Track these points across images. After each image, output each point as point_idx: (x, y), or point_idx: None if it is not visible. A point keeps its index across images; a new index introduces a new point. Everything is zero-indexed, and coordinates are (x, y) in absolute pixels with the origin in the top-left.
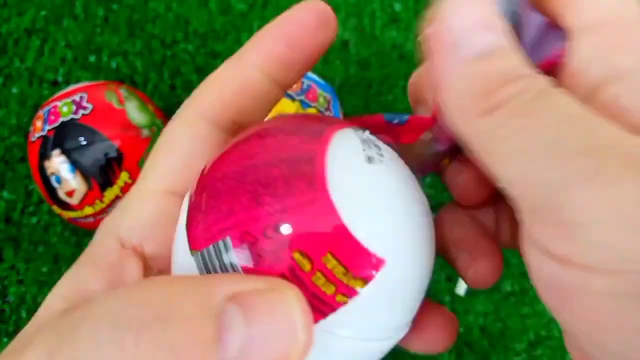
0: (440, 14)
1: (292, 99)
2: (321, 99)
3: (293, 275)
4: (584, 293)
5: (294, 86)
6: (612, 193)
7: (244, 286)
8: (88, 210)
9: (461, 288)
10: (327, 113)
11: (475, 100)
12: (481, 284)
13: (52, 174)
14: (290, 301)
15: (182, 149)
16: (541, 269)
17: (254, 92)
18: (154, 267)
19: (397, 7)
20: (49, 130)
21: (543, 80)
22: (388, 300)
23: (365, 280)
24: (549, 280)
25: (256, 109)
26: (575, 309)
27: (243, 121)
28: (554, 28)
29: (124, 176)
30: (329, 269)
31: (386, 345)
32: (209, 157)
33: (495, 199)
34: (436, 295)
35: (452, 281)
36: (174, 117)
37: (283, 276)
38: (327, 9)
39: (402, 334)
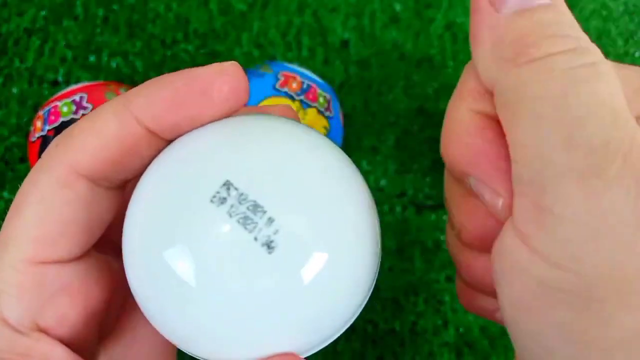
0: None
1: (292, 98)
2: (321, 99)
3: None
4: (525, 272)
5: (294, 86)
6: (599, 201)
7: None
8: None
9: None
10: (327, 113)
11: (518, 48)
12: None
13: None
14: None
15: (58, 215)
16: (503, 236)
17: (136, 148)
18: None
19: (397, 7)
20: (49, 130)
21: (596, 51)
22: None
23: None
24: (502, 248)
25: (137, 163)
26: (511, 282)
27: (124, 176)
28: None
29: None
30: None
31: None
32: (90, 221)
33: None
34: (436, 295)
35: (452, 281)
36: (38, 165)
37: None
38: (243, 78)
39: None
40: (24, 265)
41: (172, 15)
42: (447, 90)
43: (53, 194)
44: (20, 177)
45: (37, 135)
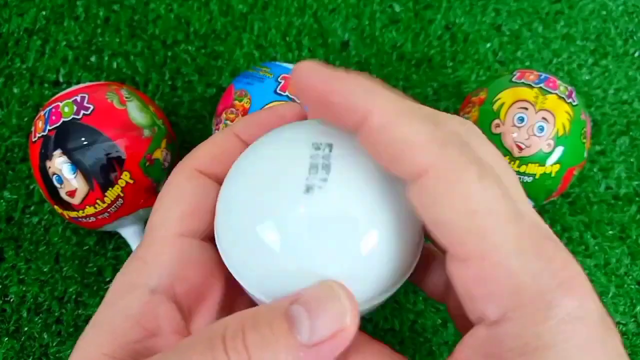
0: None
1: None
2: None
3: None
4: None
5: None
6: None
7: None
8: (89, 210)
9: None
10: None
11: None
12: None
13: (54, 174)
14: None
15: (189, 197)
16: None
17: (232, 151)
18: (185, 305)
19: (397, 7)
20: (50, 131)
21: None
22: None
23: None
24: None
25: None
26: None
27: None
28: None
29: (125, 176)
30: None
31: None
32: (209, 205)
33: None
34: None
35: None
36: (174, 171)
37: None
38: (304, 112)
39: None
40: (172, 238)
41: (172, 16)
42: (446, 90)
43: (184, 185)
44: (21, 177)
45: (38, 135)
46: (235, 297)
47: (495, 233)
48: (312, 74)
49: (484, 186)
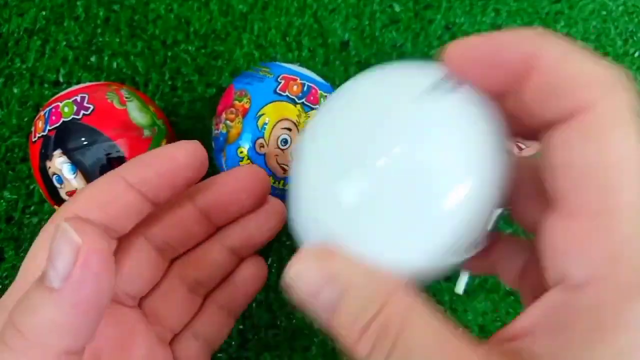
0: (289, 281)
1: (294, 102)
2: (322, 100)
3: None
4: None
5: (295, 89)
6: None
7: None
8: None
9: (460, 287)
10: None
11: (350, 339)
12: None
13: (54, 174)
14: None
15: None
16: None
17: (126, 206)
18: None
19: (397, 7)
20: (50, 131)
21: (400, 309)
22: None
23: None
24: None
25: (126, 219)
26: None
27: (113, 228)
28: None
29: None
30: None
31: None
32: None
33: None
34: (435, 295)
35: (451, 281)
36: (50, 219)
37: None
38: (200, 150)
39: None
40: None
41: (172, 16)
42: None
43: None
44: (21, 177)
45: (38, 135)
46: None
47: (627, 194)
48: (468, 45)
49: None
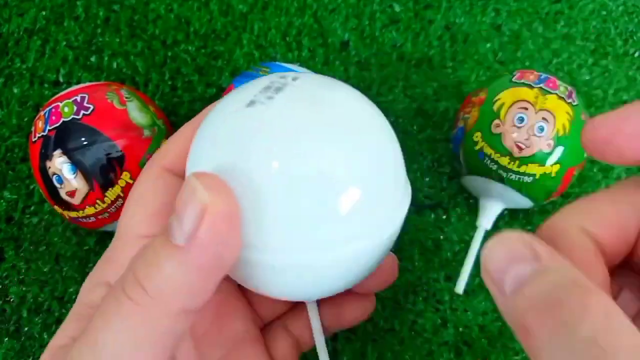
0: (483, 259)
1: None
2: None
3: None
4: None
5: None
6: None
7: None
8: (89, 210)
9: (460, 287)
10: None
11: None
12: None
13: (54, 174)
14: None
15: (155, 197)
16: None
17: None
18: None
19: (397, 7)
20: (50, 131)
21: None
22: None
23: None
24: None
25: None
26: None
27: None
28: None
29: (125, 176)
30: None
31: None
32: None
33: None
34: (435, 295)
35: (451, 280)
36: (143, 170)
37: None
38: None
39: None
40: (136, 240)
41: (172, 16)
42: (446, 90)
43: (150, 185)
44: (21, 177)
45: (38, 135)
46: None
47: None
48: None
49: None
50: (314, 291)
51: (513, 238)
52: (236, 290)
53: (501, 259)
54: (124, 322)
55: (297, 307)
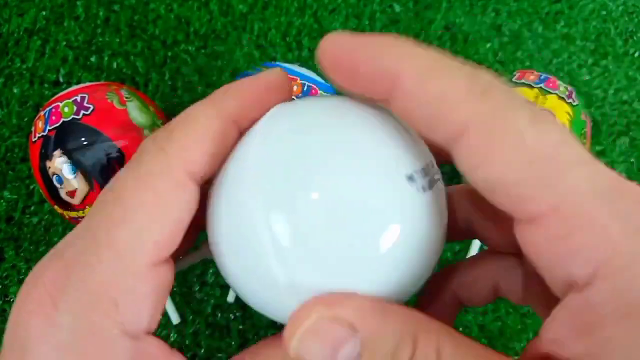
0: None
1: None
2: None
3: None
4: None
5: (295, 89)
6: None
7: None
8: (90, 210)
9: None
10: None
11: None
12: None
13: (54, 174)
14: None
15: (173, 215)
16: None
17: (228, 142)
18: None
19: (397, 7)
20: (50, 131)
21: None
22: None
23: None
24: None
25: (225, 156)
26: None
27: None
28: None
29: None
30: None
31: None
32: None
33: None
34: None
35: None
36: (159, 170)
37: None
38: (283, 74)
39: None
40: (146, 270)
41: (172, 16)
42: None
43: (170, 196)
44: (21, 177)
45: (38, 135)
46: None
47: (563, 178)
48: (336, 47)
49: (538, 130)
50: None
51: (319, 324)
52: None
53: (325, 355)
54: None
55: None
